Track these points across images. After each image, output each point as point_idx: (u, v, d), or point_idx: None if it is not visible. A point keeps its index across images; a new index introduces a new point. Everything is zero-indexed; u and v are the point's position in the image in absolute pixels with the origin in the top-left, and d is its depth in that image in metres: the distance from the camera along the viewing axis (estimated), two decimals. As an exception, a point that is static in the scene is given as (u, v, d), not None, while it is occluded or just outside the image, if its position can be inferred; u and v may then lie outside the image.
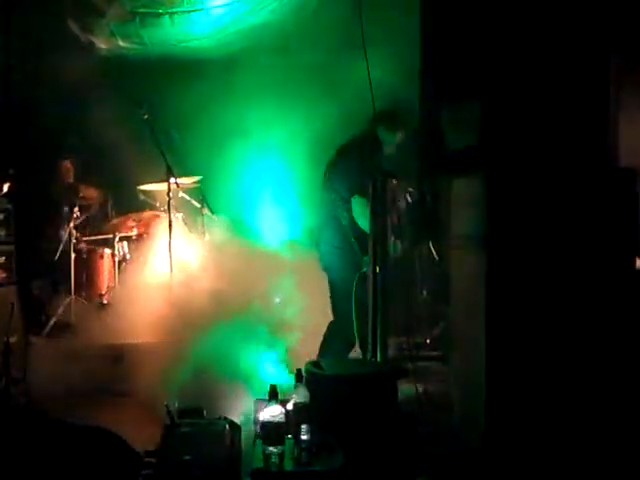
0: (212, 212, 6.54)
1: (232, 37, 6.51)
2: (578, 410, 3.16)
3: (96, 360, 5.28)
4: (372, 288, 4.47)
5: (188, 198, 6.52)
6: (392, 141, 4.98)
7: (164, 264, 5.97)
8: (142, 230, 6.77)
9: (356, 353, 4.92)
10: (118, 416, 4.45)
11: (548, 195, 3.19)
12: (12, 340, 4.66)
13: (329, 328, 4.99)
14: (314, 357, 4.64)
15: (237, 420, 3.75)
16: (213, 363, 4.39)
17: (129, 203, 7.06)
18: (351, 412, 3.45)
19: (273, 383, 3.34)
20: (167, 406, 3.56)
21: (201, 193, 6.57)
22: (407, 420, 3.62)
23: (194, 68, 6.64)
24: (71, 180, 7.00)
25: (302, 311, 5.13)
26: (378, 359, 4.35)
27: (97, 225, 7.00)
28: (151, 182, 6.51)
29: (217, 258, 5.88)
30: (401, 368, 4.18)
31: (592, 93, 3.30)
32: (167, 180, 6.01)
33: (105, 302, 6.47)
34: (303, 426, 3.16)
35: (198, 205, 6.56)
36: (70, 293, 6.40)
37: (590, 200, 3.20)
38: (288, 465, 3.11)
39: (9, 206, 5.14)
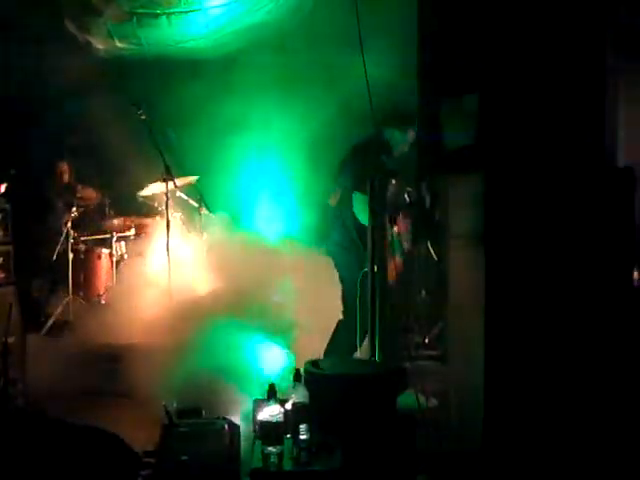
0: (210, 211, 6.55)
1: (229, 37, 6.51)
2: (578, 410, 3.16)
3: (94, 360, 5.29)
4: (370, 287, 4.47)
5: (186, 197, 6.53)
6: (404, 140, 5.03)
7: (162, 263, 5.98)
8: (140, 230, 6.78)
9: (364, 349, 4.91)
10: (117, 416, 4.45)
11: (547, 194, 3.19)
12: (10, 340, 4.66)
13: (337, 326, 5.02)
14: (314, 355, 4.64)
15: (236, 420, 3.74)
16: (211, 362, 4.39)
17: (127, 203, 7.06)
18: (350, 412, 3.44)
19: (272, 382, 3.34)
20: (165, 406, 3.55)
21: (199, 192, 6.58)
22: (406, 420, 3.61)
23: (191, 68, 6.65)
24: (68, 180, 7.00)
25: (300, 309, 5.13)
26: (377, 359, 4.35)
27: (95, 225, 7.00)
28: (149, 183, 6.51)
29: (215, 257, 5.88)
30: (400, 368, 4.17)
31: (590, 93, 3.29)
32: (165, 180, 6.02)
33: (103, 302, 6.48)
34: (302, 426, 3.15)
35: (196, 204, 6.57)
36: (68, 293, 6.41)
37: (589, 199, 3.21)
38: (287, 465, 3.10)
39: (7, 206, 5.13)
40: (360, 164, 4.97)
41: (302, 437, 3.15)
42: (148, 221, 6.80)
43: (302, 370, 3.51)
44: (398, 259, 4.86)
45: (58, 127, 6.87)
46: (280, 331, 4.92)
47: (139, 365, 4.86)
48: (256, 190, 6.71)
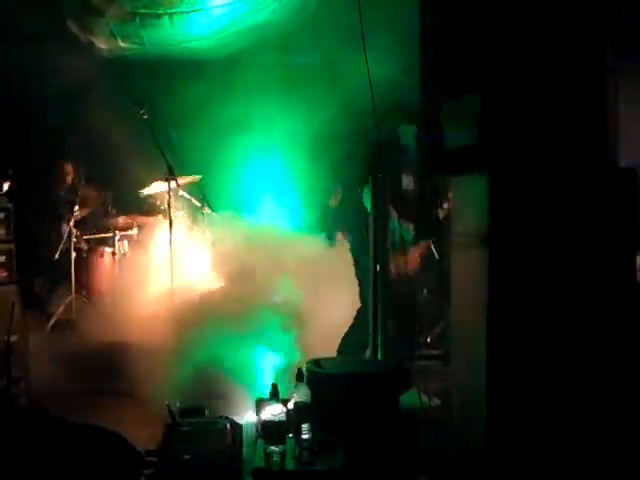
0: (212, 210, 6.54)
1: (232, 37, 6.51)
2: (580, 410, 3.16)
3: (97, 359, 5.29)
4: (372, 286, 4.47)
5: (188, 197, 6.53)
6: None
7: (164, 262, 5.98)
8: (142, 229, 6.78)
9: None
10: (119, 415, 4.45)
11: (550, 194, 3.19)
12: (13, 339, 4.67)
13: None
14: (316, 354, 4.63)
15: (239, 419, 3.75)
16: (215, 361, 4.39)
17: (129, 202, 7.07)
18: (352, 411, 3.44)
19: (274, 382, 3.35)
20: (168, 405, 3.56)
21: (201, 192, 6.58)
22: (408, 419, 3.61)
23: (194, 68, 6.65)
24: (71, 179, 7.01)
25: (304, 306, 5.11)
26: (379, 357, 4.35)
27: (97, 224, 7.00)
28: (152, 182, 6.51)
29: (218, 255, 5.88)
30: (402, 367, 4.17)
31: (591, 92, 3.29)
32: (167, 179, 6.03)
33: (106, 300, 6.48)
34: (304, 425, 3.15)
35: (198, 204, 6.57)
36: (71, 292, 6.42)
37: (591, 198, 3.20)
38: (289, 464, 3.10)
39: (9, 205, 5.13)
40: (378, 161, 4.98)
41: (304, 436, 3.14)
42: (151, 220, 6.81)
43: (304, 369, 3.51)
44: (406, 253, 4.89)
45: (60, 127, 6.88)
46: (284, 328, 4.89)
47: (141, 364, 4.86)
48: (258, 189, 6.70)
